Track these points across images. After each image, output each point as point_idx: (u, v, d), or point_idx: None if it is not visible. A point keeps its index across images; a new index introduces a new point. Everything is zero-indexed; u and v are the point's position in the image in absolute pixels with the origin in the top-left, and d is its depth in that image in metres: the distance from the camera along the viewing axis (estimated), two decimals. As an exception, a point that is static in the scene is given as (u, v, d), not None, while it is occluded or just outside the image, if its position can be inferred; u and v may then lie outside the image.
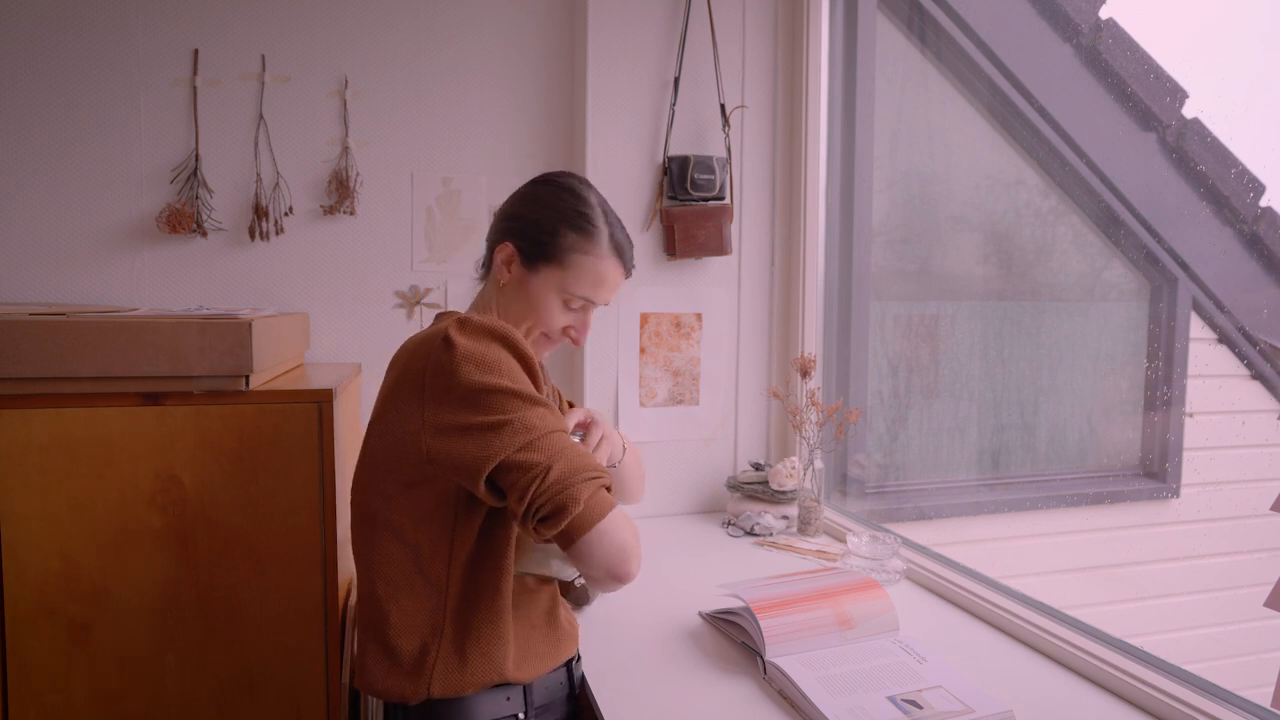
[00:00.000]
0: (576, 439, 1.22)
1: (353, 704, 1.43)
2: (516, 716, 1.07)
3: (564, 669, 1.15)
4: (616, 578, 0.98)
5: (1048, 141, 2.30)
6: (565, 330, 1.20)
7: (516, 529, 1.06)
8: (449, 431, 0.98)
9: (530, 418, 0.98)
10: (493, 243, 1.21)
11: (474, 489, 0.98)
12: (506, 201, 1.23)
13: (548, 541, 0.99)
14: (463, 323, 1.02)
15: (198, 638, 1.32)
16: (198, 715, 1.32)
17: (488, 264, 1.23)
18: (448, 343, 0.99)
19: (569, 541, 0.97)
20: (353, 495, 1.13)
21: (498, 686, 1.06)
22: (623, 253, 1.20)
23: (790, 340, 2.09)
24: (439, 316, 1.19)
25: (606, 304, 1.23)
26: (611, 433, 1.25)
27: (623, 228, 1.22)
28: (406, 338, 1.15)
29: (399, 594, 1.04)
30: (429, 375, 1.00)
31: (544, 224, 1.16)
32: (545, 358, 1.27)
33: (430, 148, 1.94)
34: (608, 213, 1.20)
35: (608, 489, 1.01)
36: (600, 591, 1.40)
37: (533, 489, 0.95)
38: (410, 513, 1.03)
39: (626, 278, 1.22)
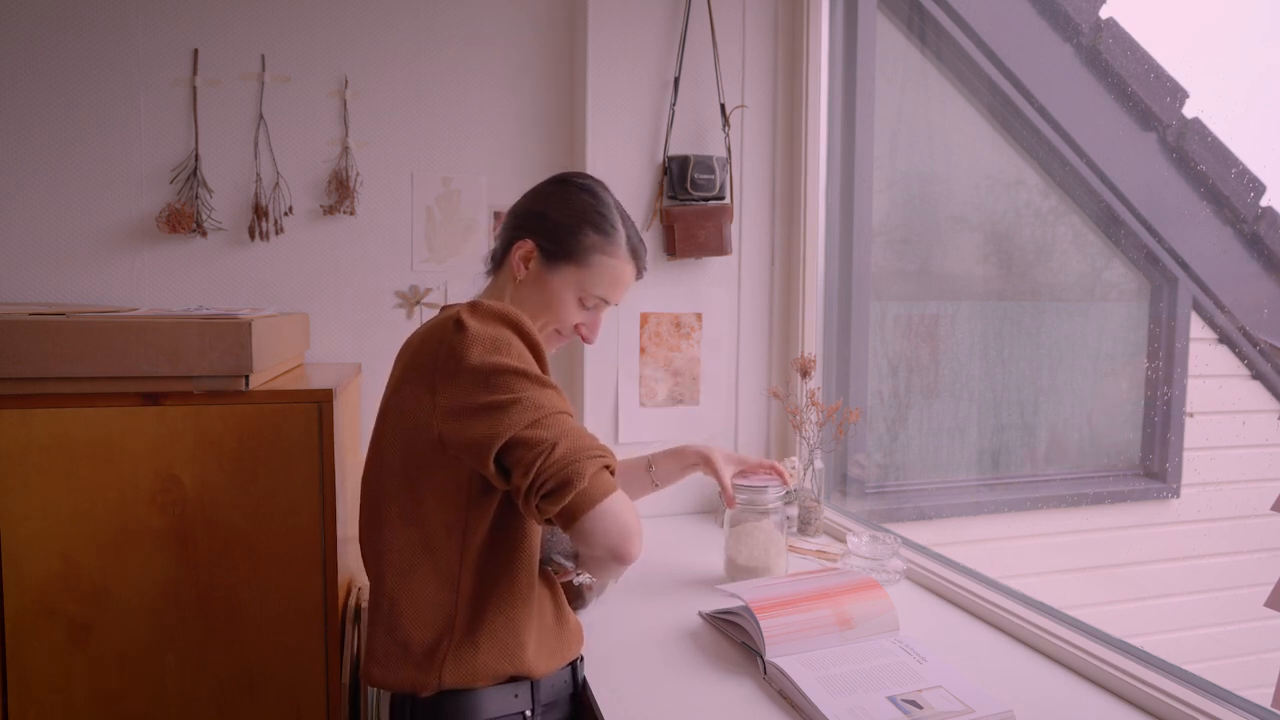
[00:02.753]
0: None
1: (353, 704, 1.43)
2: (524, 714, 1.07)
3: (569, 668, 1.15)
4: (618, 558, 0.98)
5: (1048, 141, 2.30)
6: (577, 327, 1.23)
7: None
8: (460, 413, 0.98)
9: (539, 397, 0.99)
10: (509, 238, 1.21)
11: (484, 469, 0.99)
12: (525, 198, 1.24)
13: (549, 522, 0.99)
14: (474, 306, 1.04)
15: (198, 638, 1.32)
16: (198, 715, 1.33)
17: (499, 259, 1.23)
18: (459, 325, 1.01)
19: (571, 519, 0.97)
20: (363, 486, 1.13)
21: (507, 681, 1.06)
22: (638, 255, 1.24)
23: (790, 340, 2.09)
24: (444, 310, 1.19)
25: (617, 304, 1.27)
26: None
27: (637, 230, 1.25)
28: (406, 338, 1.15)
29: (410, 584, 1.04)
30: (440, 359, 1.01)
31: (567, 223, 1.18)
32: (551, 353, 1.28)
33: (430, 148, 1.94)
34: (624, 215, 1.24)
35: (611, 470, 1.01)
36: (600, 579, 1.40)
37: (537, 464, 0.95)
38: (422, 501, 1.03)
39: (638, 279, 1.26)
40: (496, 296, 1.21)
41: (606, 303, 1.23)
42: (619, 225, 1.21)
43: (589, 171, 1.92)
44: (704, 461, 1.47)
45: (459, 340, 1.00)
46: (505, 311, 1.04)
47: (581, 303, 1.21)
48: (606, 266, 1.20)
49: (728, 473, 1.47)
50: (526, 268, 1.18)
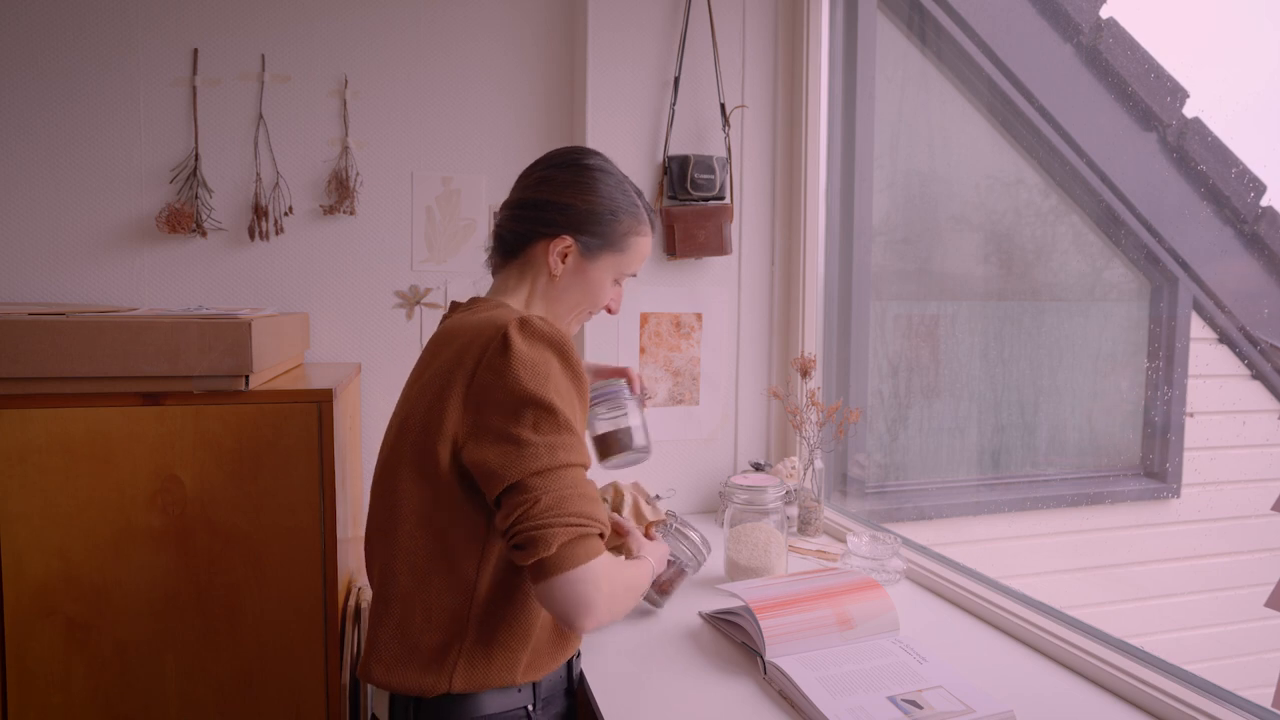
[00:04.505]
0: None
1: (353, 703, 1.43)
2: (526, 708, 1.07)
3: (565, 664, 1.15)
4: (567, 624, 0.98)
5: (1048, 141, 2.30)
6: (605, 305, 1.25)
7: None
8: (482, 431, 0.98)
9: (555, 443, 0.97)
10: (529, 233, 1.17)
11: (487, 497, 0.99)
12: (538, 186, 1.19)
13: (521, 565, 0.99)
14: (523, 324, 1.01)
15: (198, 638, 1.32)
16: (197, 715, 1.33)
17: (509, 252, 1.19)
18: (505, 343, 0.99)
19: (534, 579, 0.97)
20: (377, 483, 1.11)
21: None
22: (653, 220, 1.25)
23: (790, 340, 2.09)
24: (476, 303, 1.17)
25: None
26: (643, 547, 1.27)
27: (638, 189, 1.25)
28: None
29: (426, 587, 1.03)
30: (480, 372, 0.99)
31: (603, 214, 1.17)
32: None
33: (430, 148, 1.94)
34: (632, 184, 1.24)
35: (601, 535, 0.99)
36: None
37: (516, 514, 0.95)
38: (442, 506, 1.02)
39: None
40: (529, 290, 1.18)
41: (634, 275, 1.25)
42: (637, 199, 1.22)
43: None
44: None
45: (502, 360, 0.98)
46: (552, 336, 1.02)
47: (615, 282, 1.22)
48: (639, 245, 1.22)
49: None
50: (564, 263, 1.17)
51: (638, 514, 1.31)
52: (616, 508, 1.29)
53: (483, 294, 1.22)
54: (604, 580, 0.98)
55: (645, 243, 1.23)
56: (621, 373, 1.38)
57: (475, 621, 1.03)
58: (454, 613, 1.03)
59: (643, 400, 1.38)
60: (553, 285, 1.18)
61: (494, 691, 1.05)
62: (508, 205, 1.22)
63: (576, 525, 0.96)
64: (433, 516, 1.03)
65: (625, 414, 1.32)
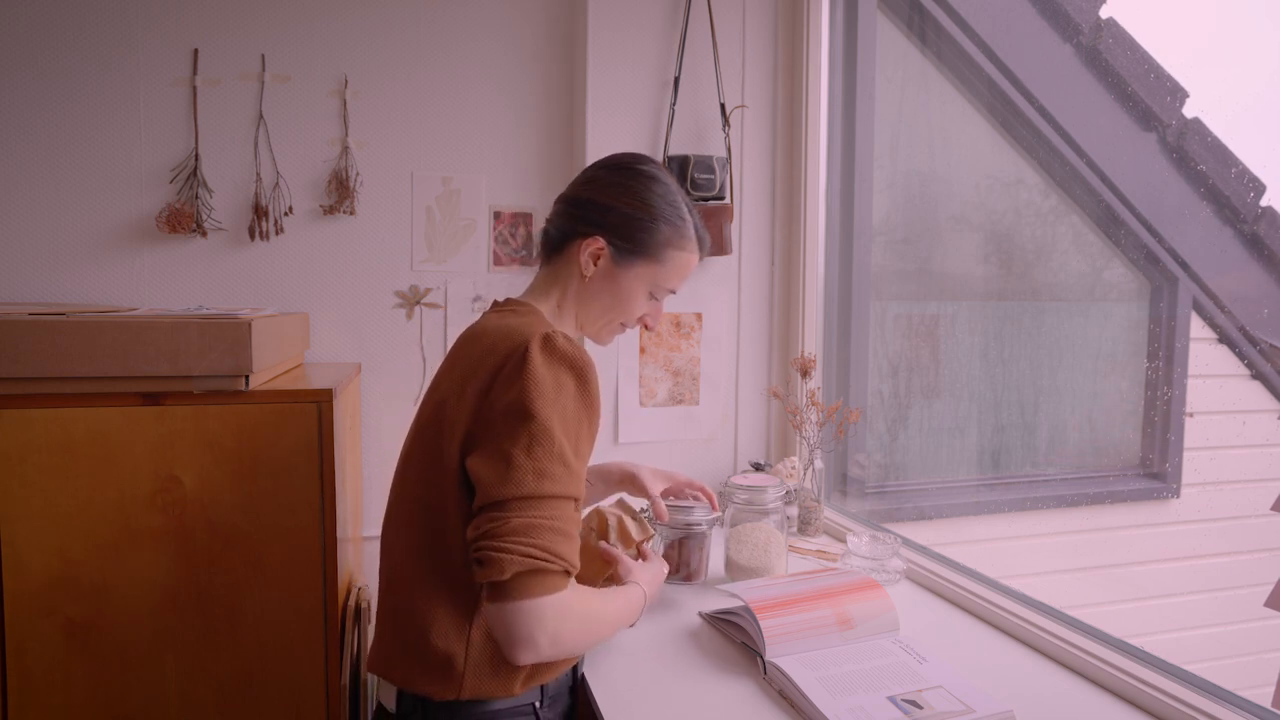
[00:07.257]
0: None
1: (353, 703, 1.43)
2: (533, 705, 1.07)
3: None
4: (505, 652, 0.97)
5: (1048, 141, 2.30)
6: (641, 318, 1.22)
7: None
8: (484, 442, 0.98)
9: (545, 470, 0.96)
10: (570, 231, 1.16)
11: (475, 506, 0.99)
12: (585, 186, 1.19)
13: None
14: (546, 341, 1.00)
15: (198, 638, 1.32)
16: (198, 715, 1.33)
17: (553, 249, 1.19)
18: (524, 357, 0.98)
19: (486, 598, 0.97)
20: (400, 470, 1.11)
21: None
22: (703, 243, 1.22)
23: (790, 340, 2.09)
24: (510, 303, 1.16)
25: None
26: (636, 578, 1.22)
27: (697, 213, 1.22)
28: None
29: (436, 593, 1.03)
30: (496, 383, 0.99)
31: (641, 219, 1.14)
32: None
33: (430, 148, 1.94)
34: (686, 200, 1.21)
35: (566, 573, 0.98)
36: None
37: (483, 529, 0.95)
38: (450, 506, 1.02)
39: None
40: (560, 292, 1.17)
41: (673, 292, 1.22)
42: (687, 215, 1.19)
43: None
44: (630, 480, 1.42)
45: (517, 374, 0.98)
46: (574, 357, 1.01)
47: (650, 295, 1.20)
48: (678, 260, 1.18)
49: (656, 488, 1.42)
50: (596, 265, 1.15)
51: (625, 536, 1.29)
52: (604, 535, 1.28)
53: (491, 293, 1.21)
54: (552, 618, 0.96)
55: (686, 259, 1.19)
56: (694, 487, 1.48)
57: (481, 633, 1.02)
58: (461, 621, 1.02)
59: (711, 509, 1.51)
60: (584, 288, 1.16)
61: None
62: (557, 200, 1.21)
63: (537, 558, 0.94)
64: (440, 516, 1.03)
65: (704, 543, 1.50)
